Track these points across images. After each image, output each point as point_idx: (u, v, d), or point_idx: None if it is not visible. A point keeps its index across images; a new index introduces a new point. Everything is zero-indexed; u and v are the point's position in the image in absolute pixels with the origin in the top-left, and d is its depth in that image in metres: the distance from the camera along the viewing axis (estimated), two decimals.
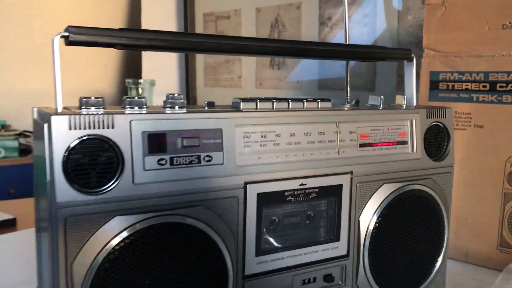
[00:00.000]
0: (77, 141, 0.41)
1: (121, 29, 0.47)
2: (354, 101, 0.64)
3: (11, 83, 2.63)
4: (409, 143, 0.60)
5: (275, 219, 0.52)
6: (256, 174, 0.49)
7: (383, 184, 0.57)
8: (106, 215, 0.42)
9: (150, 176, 0.44)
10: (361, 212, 0.57)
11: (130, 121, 0.43)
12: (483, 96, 0.78)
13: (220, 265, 0.48)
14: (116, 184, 0.43)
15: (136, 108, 0.46)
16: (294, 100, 0.53)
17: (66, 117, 0.41)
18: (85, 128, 0.41)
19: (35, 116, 0.47)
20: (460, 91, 0.80)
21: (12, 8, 2.60)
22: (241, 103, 0.51)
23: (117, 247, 0.42)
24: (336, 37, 1.53)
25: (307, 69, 1.64)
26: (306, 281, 0.54)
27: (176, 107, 0.48)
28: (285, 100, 0.53)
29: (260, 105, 0.51)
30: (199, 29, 2.05)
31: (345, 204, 0.55)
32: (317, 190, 0.53)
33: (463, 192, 0.81)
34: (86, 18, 2.67)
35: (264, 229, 0.51)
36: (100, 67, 2.88)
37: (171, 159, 0.45)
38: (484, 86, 0.78)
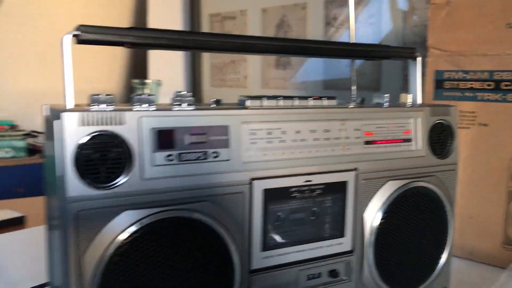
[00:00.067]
0: (88, 137, 0.42)
1: (130, 28, 0.48)
2: (360, 99, 0.65)
3: (19, 84, 2.65)
4: (414, 140, 0.60)
5: (281, 215, 0.53)
6: (262, 171, 0.50)
7: (388, 181, 0.58)
8: (115, 209, 0.43)
9: (158, 172, 0.45)
10: (366, 208, 0.57)
11: (140, 117, 0.44)
12: (487, 95, 0.78)
13: (226, 259, 0.48)
14: (126, 179, 0.44)
15: (145, 105, 0.47)
16: (299, 97, 0.54)
17: (76, 114, 0.42)
18: (95, 124, 0.42)
19: (46, 113, 0.49)
20: (465, 90, 0.81)
21: (20, 9, 2.63)
22: (247, 101, 0.52)
23: (126, 241, 0.43)
24: (342, 37, 1.54)
25: (312, 69, 1.65)
26: (311, 276, 0.55)
27: (184, 105, 0.49)
28: (291, 97, 0.54)
29: (266, 102, 0.52)
30: (205, 29, 2.06)
31: (350, 200, 0.56)
32: (322, 186, 0.54)
33: (467, 190, 0.81)
34: (92, 20, 2.69)
35: (270, 225, 0.52)
36: (106, 68, 2.90)
37: (179, 155, 0.46)
38: (488, 85, 0.78)
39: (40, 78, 2.63)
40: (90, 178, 0.42)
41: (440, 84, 0.83)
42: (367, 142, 0.57)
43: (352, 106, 0.59)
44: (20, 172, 2.38)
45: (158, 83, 1.96)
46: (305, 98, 0.54)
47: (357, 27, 1.43)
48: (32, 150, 2.52)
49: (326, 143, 0.54)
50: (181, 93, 0.49)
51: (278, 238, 0.53)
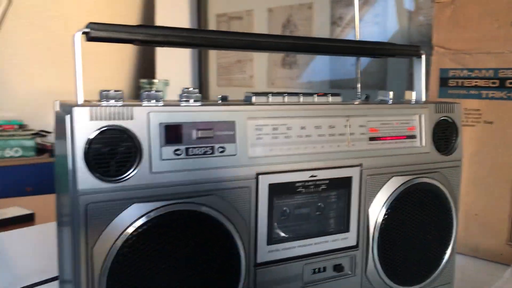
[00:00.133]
0: (98, 131, 0.43)
1: (139, 26, 0.49)
2: (364, 96, 0.66)
3: (28, 84, 2.68)
4: (418, 137, 0.61)
5: (286, 210, 0.54)
6: (268, 166, 0.51)
7: (392, 177, 0.59)
8: (124, 202, 0.44)
9: (166, 166, 0.46)
10: (371, 204, 0.58)
11: (148, 113, 0.45)
12: (492, 93, 0.79)
13: (232, 252, 0.49)
14: (135, 173, 0.45)
15: (153, 101, 0.48)
16: (305, 94, 0.55)
17: (87, 109, 0.43)
18: (105, 119, 0.43)
19: (57, 108, 0.50)
20: (470, 87, 0.81)
21: (31, 10, 2.65)
22: (253, 97, 0.52)
23: (135, 233, 0.44)
24: (348, 37, 1.54)
25: (318, 69, 1.66)
26: (317, 270, 0.56)
27: (191, 101, 0.50)
28: (296, 94, 0.55)
29: (271, 99, 0.53)
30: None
31: (354, 196, 0.57)
32: (327, 182, 0.55)
33: (473, 187, 0.82)
34: (101, 20, 2.72)
35: (275, 219, 0.53)
36: (115, 68, 2.92)
37: (187, 149, 0.47)
38: (493, 83, 0.78)
39: (49, 78, 2.65)
40: (100, 171, 0.44)
41: (444, 82, 0.84)
42: (372, 138, 0.58)
43: (357, 103, 0.59)
44: (29, 171, 2.40)
45: (166, 83, 1.98)
46: (310, 94, 0.55)
47: (363, 27, 1.44)
48: (41, 150, 2.55)
49: (331, 139, 0.55)
50: (188, 89, 0.50)
51: (283, 232, 0.54)
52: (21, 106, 2.65)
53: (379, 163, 0.58)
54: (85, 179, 0.43)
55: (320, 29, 1.61)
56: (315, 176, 0.54)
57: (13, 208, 1.26)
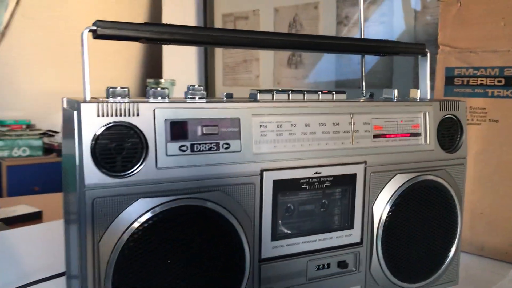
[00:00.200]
0: (104, 127, 0.44)
1: (145, 24, 0.49)
2: (369, 94, 0.66)
3: (35, 84, 2.70)
4: (422, 134, 0.61)
5: (291, 206, 0.54)
6: (272, 162, 0.52)
7: (396, 174, 0.59)
8: (130, 197, 0.45)
9: (172, 161, 0.46)
10: (375, 201, 0.58)
11: (154, 109, 0.46)
12: (498, 91, 0.78)
13: (237, 248, 0.50)
14: (140, 168, 0.45)
15: (159, 98, 0.49)
16: (309, 92, 0.55)
17: (94, 105, 0.44)
18: (112, 116, 0.44)
19: (65, 105, 0.51)
20: (475, 86, 0.81)
21: (38, 11, 2.68)
22: (258, 94, 0.53)
23: (141, 227, 0.45)
24: (354, 36, 1.54)
25: (324, 69, 1.66)
26: (321, 266, 0.56)
27: (197, 98, 0.50)
28: (301, 91, 0.55)
29: (276, 96, 0.54)
30: None
31: (359, 193, 0.57)
32: (331, 178, 0.55)
33: (478, 186, 0.81)
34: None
35: (280, 215, 0.53)
36: (121, 68, 2.94)
37: (192, 145, 0.48)
38: (499, 81, 0.78)
39: (57, 78, 2.68)
40: (106, 167, 0.44)
41: (450, 80, 0.84)
42: (376, 136, 0.58)
43: (361, 101, 0.60)
44: (36, 170, 2.42)
45: (172, 82, 1.99)
46: (315, 92, 0.56)
47: (369, 26, 1.44)
48: (48, 149, 2.57)
49: (335, 136, 0.55)
50: (194, 86, 0.51)
51: (287, 228, 0.54)
52: (28, 106, 2.67)
53: (383, 160, 0.58)
54: (92, 174, 0.43)
55: (326, 28, 1.62)
56: (319, 173, 0.54)
57: (21, 206, 1.28)
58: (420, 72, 0.67)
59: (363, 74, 0.72)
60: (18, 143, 2.47)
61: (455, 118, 0.63)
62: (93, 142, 0.43)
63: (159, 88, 0.49)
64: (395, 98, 0.62)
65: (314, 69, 1.70)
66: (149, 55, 3.03)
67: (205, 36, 0.53)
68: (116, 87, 0.47)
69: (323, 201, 0.56)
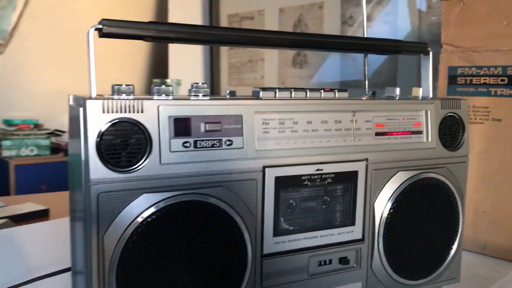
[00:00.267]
0: (110, 123, 0.45)
1: (150, 22, 0.50)
2: (371, 92, 0.67)
3: (43, 84, 2.73)
4: (424, 132, 0.61)
5: (292, 202, 0.55)
6: (274, 159, 0.52)
7: (398, 171, 0.59)
8: (135, 192, 0.46)
9: (175, 157, 0.47)
10: (376, 198, 0.59)
11: (158, 106, 0.47)
12: (501, 90, 0.79)
13: (239, 243, 0.51)
14: (145, 164, 0.46)
15: (163, 95, 0.49)
16: (311, 90, 0.56)
17: (100, 102, 0.44)
18: (117, 112, 0.45)
19: (71, 102, 0.52)
20: (478, 85, 0.81)
21: (47, 12, 2.70)
22: (261, 92, 0.54)
23: (145, 222, 0.46)
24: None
25: (329, 69, 1.67)
26: (322, 262, 0.57)
27: (200, 95, 0.51)
28: (303, 89, 0.56)
29: (279, 94, 0.54)
30: None
31: (360, 190, 0.58)
32: (333, 175, 0.56)
33: (481, 185, 0.82)
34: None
35: (282, 211, 0.54)
36: (128, 68, 2.96)
37: (195, 142, 0.48)
38: (502, 80, 0.79)
39: (64, 78, 2.70)
40: (111, 162, 0.45)
41: (453, 80, 0.84)
42: (378, 134, 0.59)
43: (363, 99, 0.60)
44: (43, 169, 2.45)
45: (178, 82, 2.01)
46: (317, 90, 0.56)
47: (374, 26, 1.44)
48: (56, 149, 2.59)
49: (337, 134, 0.56)
50: (198, 84, 0.52)
51: (289, 224, 0.55)
52: (36, 106, 2.70)
53: (385, 158, 0.59)
54: (97, 169, 0.44)
55: (331, 28, 1.62)
56: (321, 170, 0.55)
57: (28, 204, 1.30)
58: (422, 70, 0.67)
59: (366, 73, 0.72)
60: (26, 143, 2.50)
61: (457, 116, 0.64)
62: (99, 138, 0.44)
63: (163, 86, 0.50)
64: (397, 97, 0.63)
65: (319, 69, 1.70)
66: (156, 55, 3.05)
67: (209, 35, 0.54)
68: (121, 85, 0.48)
69: (325, 198, 0.57)
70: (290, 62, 1.77)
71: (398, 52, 0.66)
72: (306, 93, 0.56)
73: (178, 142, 0.48)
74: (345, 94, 0.59)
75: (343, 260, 0.58)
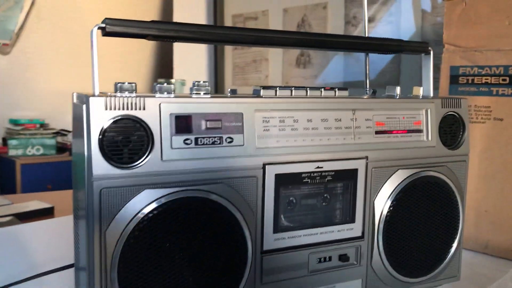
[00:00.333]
0: (112, 120, 0.46)
1: (152, 21, 0.51)
2: (372, 91, 0.67)
3: (49, 84, 2.75)
4: (424, 131, 0.62)
5: (293, 200, 0.55)
6: (274, 156, 0.53)
7: (398, 169, 0.60)
8: (136, 188, 0.46)
9: (176, 154, 0.48)
10: (376, 195, 0.59)
11: (160, 104, 0.48)
12: (502, 90, 0.79)
13: (239, 239, 0.51)
14: (146, 160, 0.47)
15: (165, 93, 0.50)
16: (312, 88, 0.57)
17: (102, 99, 0.45)
18: (119, 109, 0.46)
19: (75, 100, 0.52)
20: (480, 85, 0.81)
21: (52, 12, 2.72)
22: (262, 90, 0.54)
23: (146, 217, 0.46)
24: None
25: (332, 69, 1.67)
26: (322, 259, 0.57)
27: (202, 93, 0.52)
28: (303, 88, 0.56)
29: (279, 92, 0.55)
30: None
31: (360, 187, 0.58)
32: (333, 173, 0.56)
33: (483, 184, 0.82)
34: None
35: (282, 208, 0.55)
36: (133, 68, 2.97)
37: (196, 139, 0.49)
38: (503, 80, 0.79)
39: (70, 78, 2.72)
40: (113, 158, 0.46)
41: (455, 79, 0.84)
42: (378, 132, 0.59)
43: (364, 98, 0.61)
44: (49, 169, 2.46)
45: (182, 83, 2.02)
46: (317, 88, 0.57)
47: (378, 26, 1.44)
48: (61, 148, 2.61)
49: (337, 132, 0.57)
50: (199, 82, 0.52)
51: (289, 221, 0.55)
52: (42, 106, 2.72)
53: (384, 156, 0.59)
54: (100, 165, 0.45)
55: (334, 28, 1.63)
56: (321, 167, 0.56)
57: (33, 202, 1.31)
58: (423, 70, 0.67)
59: (367, 72, 0.73)
60: (32, 142, 2.52)
61: (457, 115, 0.64)
62: (101, 135, 0.45)
63: (165, 84, 0.51)
64: (397, 95, 0.63)
65: (322, 69, 1.71)
66: (161, 56, 3.07)
67: (211, 34, 0.55)
68: (123, 82, 0.49)
69: (325, 195, 0.57)
70: (294, 62, 1.78)
71: (399, 52, 0.66)
72: (307, 91, 0.56)
73: (179, 139, 0.48)
74: (345, 93, 0.59)
75: (343, 257, 0.58)
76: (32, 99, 2.71)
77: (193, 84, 0.53)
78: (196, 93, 0.52)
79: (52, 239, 0.89)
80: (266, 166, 0.52)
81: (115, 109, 0.46)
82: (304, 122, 0.55)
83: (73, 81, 2.67)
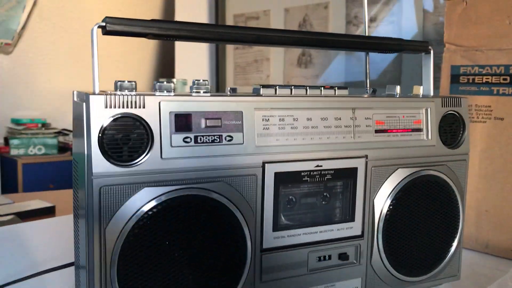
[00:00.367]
0: (112, 118, 0.46)
1: (152, 20, 0.51)
2: (372, 90, 0.67)
3: (51, 84, 2.75)
4: (424, 130, 0.62)
5: (292, 198, 0.56)
6: (274, 155, 0.53)
7: (398, 168, 0.60)
8: (136, 185, 0.47)
9: (176, 152, 0.48)
10: (376, 194, 0.59)
11: (159, 102, 0.48)
12: (503, 89, 0.79)
13: (239, 237, 0.51)
14: (146, 158, 0.47)
15: (165, 91, 0.50)
16: (311, 87, 0.57)
17: (102, 97, 0.45)
18: (119, 107, 0.46)
19: (75, 98, 0.53)
20: (481, 84, 0.81)
21: (54, 12, 2.73)
22: (261, 89, 0.54)
23: (146, 215, 0.46)
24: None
25: (334, 69, 1.67)
26: (322, 258, 0.57)
27: (201, 92, 0.52)
28: (303, 87, 0.56)
29: (279, 91, 0.55)
30: None
31: (360, 186, 0.58)
32: (332, 172, 0.57)
33: (484, 183, 0.82)
34: None
35: (281, 207, 0.55)
36: (135, 69, 2.98)
37: (195, 137, 0.49)
38: (504, 79, 0.79)
39: (73, 78, 2.73)
40: (113, 156, 0.46)
41: (456, 79, 0.84)
42: (378, 131, 0.59)
43: (363, 96, 0.61)
44: (51, 168, 2.47)
45: (184, 82, 2.02)
46: (317, 87, 0.57)
47: (380, 26, 1.44)
48: (63, 148, 2.62)
49: (336, 131, 0.57)
50: (199, 81, 0.52)
51: (289, 220, 0.55)
52: (44, 105, 2.72)
53: (384, 155, 0.59)
54: (99, 163, 0.45)
55: (335, 28, 1.63)
56: (320, 166, 0.56)
57: (35, 201, 1.31)
58: (423, 69, 0.67)
59: (367, 71, 0.73)
60: (33, 142, 2.52)
61: (457, 114, 0.64)
62: (101, 133, 0.45)
63: (164, 82, 0.51)
64: (397, 94, 0.63)
65: (324, 69, 1.71)
66: (162, 56, 3.07)
67: (211, 32, 0.55)
68: (123, 81, 0.49)
69: (324, 194, 0.57)
70: (295, 62, 1.78)
71: (399, 51, 0.66)
72: (306, 90, 0.56)
73: (179, 137, 0.48)
74: (345, 92, 0.59)
75: (343, 256, 0.58)
76: (34, 98, 2.72)
77: (193, 82, 0.53)
78: (196, 92, 0.52)
79: (53, 238, 0.89)
80: (266, 164, 0.53)
81: (115, 107, 0.46)
82: (304, 120, 0.55)
83: (75, 81, 2.67)
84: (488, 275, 0.74)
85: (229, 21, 2.11)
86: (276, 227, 0.54)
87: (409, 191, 0.60)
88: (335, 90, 0.58)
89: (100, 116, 0.45)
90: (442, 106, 0.63)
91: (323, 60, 1.70)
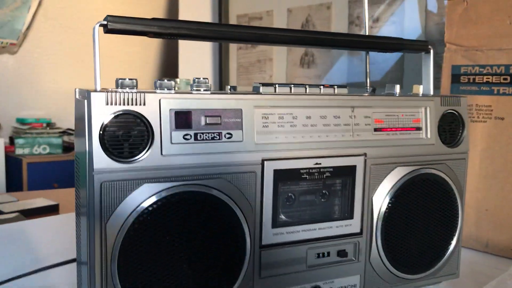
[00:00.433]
0: (113, 115, 0.46)
1: (153, 19, 0.52)
2: (371, 89, 0.67)
3: (56, 83, 2.77)
4: (423, 129, 0.62)
5: (291, 195, 0.56)
6: (273, 152, 0.54)
7: (397, 167, 0.60)
8: (137, 182, 0.47)
9: (176, 149, 0.49)
10: (375, 192, 0.59)
11: (160, 99, 0.48)
12: (503, 89, 0.79)
13: (238, 234, 0.52)
14: (146, 155, 0.48)
15: (165, 89, 0.51)
16: (311, 86, 0.57)
17: (103, 94, 0.46)
18: (120, 104, 0.47)
19: (77, 95, 0.53)
20: (481, 84, 0.82)
21: (59, 12, 2.75)
22: (261, 87, 0.55)
23: (146, 211, 0.47)
24: None
25: (336, 70, 1.67)
26: (321, 255, 0.58)
27: (202, 89, 0.53)
28: (303, 85, 0.57)
29: (278, 89, 0.56)
30: None
31: (358, 184, 0.59)
32: (331, 169, 0.57)
33: (484, 183, 0.82)
34: None
35: (280, 203, 0.55)
36: (138, 68, 2.99)
37: (195, 134, 0.50)
38: (504, 79, 0.79)
39: (77, 78, 2.74)
40: (114, 153, 0.47)
41: (456, 78, 0.85)
42: (377, 129, 0.60)
43: (363, 95, 0.61)
44: (55, 167, 2.48)
45: (187, 82, 2.03)
46: (317, 86, 0.57)
47: (383, 26, 1.45)
48: (68, 147, 2.63)
49: (336, 129, 0.57)
50: (199, 79, 0.53)
51: (288, 216, 0.56)
52: (49, 105, 2.74)
53: (383, 153, 0.60)
54: (101, 159, 0.46)
55: (338, 28, 1.63)
56: (319, 164, 0.56)
57: (39, 199, 1.33)
58: (423, 68, 0.68)
59: (368, 70, 0.73)
60: (38, 141, 2.54)
61: (457, 113, 0.64)
62: (102, 129, 0.46)
63: (165, 80, 0.51)
64: (397, 93, 0.64)
65: (326, 69, 1.71)
66: (166, 56, 3.08)
67: (212, 31, 0.56)
68: (124, 79, 0.49)
69: (323, 191, 0.58)
70: (298, 62, 1.78)
71: (399, 50, 0.67)
72: (306, 88, 0.57)
73: (179, 134, 0.49)
74: (344, 90, 0.60)
75: (341, 253, 0.59)
76: (39, 98, 2.74)
77: (193, 80, 0.53)
78: (196, 90, 0.53)
79: (56, 235, 0.90)
80: (265, 162, 0.53)
81: (116, 104, 0.47)
82: (303, 119, 0.55)
83: (80, 81, 2.69)
84: (488, 273, 0.74)
85: (233, 22, 2.12)
86: (275, 223, 0.55)
87: (408, 189, 0.60)
88: (334, 88, 0.59)
89: (101, 113, 0.46)
90: (442, 105, 0.63)
91: (326, 61, 1.70)
